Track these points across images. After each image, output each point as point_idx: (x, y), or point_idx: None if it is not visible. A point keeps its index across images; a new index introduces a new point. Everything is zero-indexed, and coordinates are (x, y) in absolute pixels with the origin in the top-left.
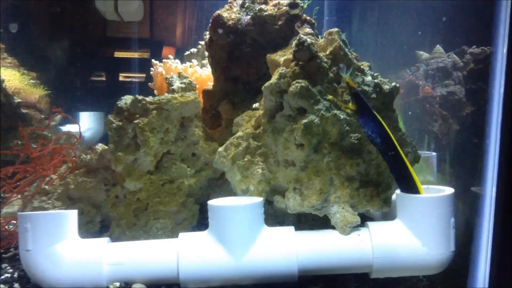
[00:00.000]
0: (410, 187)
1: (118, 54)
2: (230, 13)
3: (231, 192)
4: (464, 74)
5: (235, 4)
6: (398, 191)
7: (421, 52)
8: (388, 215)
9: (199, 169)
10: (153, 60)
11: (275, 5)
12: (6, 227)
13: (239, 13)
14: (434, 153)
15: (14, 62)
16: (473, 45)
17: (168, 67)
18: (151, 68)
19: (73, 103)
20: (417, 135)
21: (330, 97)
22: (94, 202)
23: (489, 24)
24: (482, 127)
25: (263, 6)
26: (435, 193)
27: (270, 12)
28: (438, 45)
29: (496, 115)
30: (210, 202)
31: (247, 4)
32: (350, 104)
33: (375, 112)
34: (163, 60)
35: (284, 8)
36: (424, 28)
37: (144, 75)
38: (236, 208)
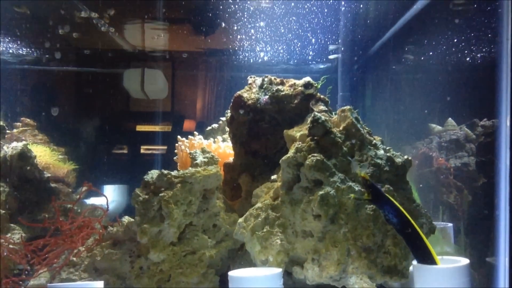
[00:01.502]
0: (426, 258)
1: (140, 128)
2: (250, 93)
3: (251, 263)
4: (476, 146)
5: (254, 85)
6: (415, 262)
7: (434, 125)
8: (406, 286)
9: (219, 240)
10: (178, 137)
11: (291, 86)
12: None
13: (258, 93)
14: (450, 224)
15: (45, 139)
16: (484, 117)
17: (192, 144)
18: (176, 144)
19: (97, 177)
20: (432, 206)
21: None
22: (119, 274)
23: (494, 97)
24: (493, 198)
25: (280, 87)
26: (451, 264)
27: (287, 92)
28: (449, 118)
29: (504, 187)
30: (230, 273)
31: (265, 85)
32: (365, 194)
33: (388, 196)
34: (189, 136)
35: (300, 88)
36: (436, 102)
37: (165, 147)
38: (256, 279)
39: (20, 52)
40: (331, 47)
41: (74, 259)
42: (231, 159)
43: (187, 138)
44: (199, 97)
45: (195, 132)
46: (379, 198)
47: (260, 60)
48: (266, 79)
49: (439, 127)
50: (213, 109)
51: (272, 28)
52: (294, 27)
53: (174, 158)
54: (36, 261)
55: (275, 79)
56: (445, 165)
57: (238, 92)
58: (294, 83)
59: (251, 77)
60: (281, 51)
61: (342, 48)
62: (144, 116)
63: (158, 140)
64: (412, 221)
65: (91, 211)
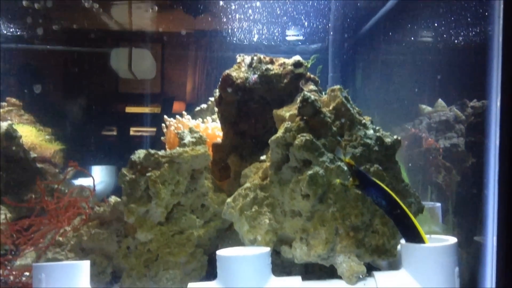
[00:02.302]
0: (414, 237)
1: (130, 109)
2: (239, 72)
3: (239, 242)
4: (466, 127)
5: (243, 64)
6: (403, 240)
7: (424, 106)
8: (394, 265)
9: (208, 220)
10: (165, 116)
11: (280, 65)
12: (19, 278)
13: (247, 73)
14: (438, 204)
15: (31, 119)
16: (474, 98)
17: (180, 123)
18: (163, 124)
19: (85, 157)
20: (421, 186)
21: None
22: (106, 253)
23: (484, 78)
24: (482, 178)
25: (269, 66)
26: (439, 243)
27: (276, 71)
28: (439, 99)
29: (493, 167)
30: (218, 252)
31: (254, 64)
32: (351, 180)
33: (374, 179)
34: (176, 116)
35: (289, 67)
36: (426, 83)
37: (155, 129)
38: (244, 258)
39: (5, 30)
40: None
41: (60, 239)
42: (219, 140)
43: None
44: (189, 78)
45: (184, 112)
46: (366, 183)
47: (250, 40)
48: (255, 58)
49: (429, 108)
50: (203, 91)
51: (262, 8)
52: (284, 7)
53: (162, 138)
54: (21, 241)
55: (264, 58)
56: (434, 145)
57: (227, 71)
58: (284, 62)
59: (240, 56)
60: (272, 31)
61: (331, 32)
62: (133, 98)
63: (147, 122)
64: (400, 202)
65: (79, 192)
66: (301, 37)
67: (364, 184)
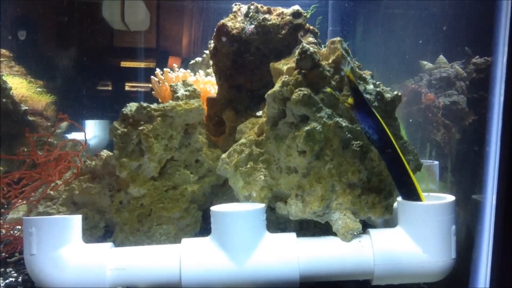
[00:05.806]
0: (411, 194)
1: (125, 64)
2: (234, 22)
3: (234, 199)
4: (467, 84)
5: (239, 14)
6: (399, 198)
7: (425, 62)
8: (390, 223)
9: (202, 176)
10: (157, 69)
11: (278, 15)
12: (11, 232)
13: (243, 22)
14: (436, 162)
15: (22, 70)
16: (476, 55)
17: (169, 76)
18: (152, 77)
19: (79, 111)
20: (419, 144)
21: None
22: (98, 208)
23: (490, 34)
24: (483, 136)
25: (267, 16)
26: (436, 201)
27: (274, 21)
28: (441, 55)
29: (496, 123)
30: (212, 208)
31: (251, 13)
32: (349, 98)
33: (373, 109)
34: (164, 69)
35: (288, 17)
36: (427, 39)
37: (149, 85)
38: (239, 214)
39: None
40: None
41: (52, 192)
42: (213, 93)
43: None
44: (185, 32)
45: (175, 65)
46: (361, 106)
47: None
48: (252, 7)
49: (430, 65)
50: (199, 45)
51: None
52: None
53: (152, 93)
54: (12, 195)
55: (261, 7)
56: (434, 101)
57: (222, 21)
58: (282, 12)
59: (236, 5)
60: None
61: None
62: (128, 52)
63: (141, 77)
64: (395, 142)
65: (72, 146)
66: None
67: (359, 107)
